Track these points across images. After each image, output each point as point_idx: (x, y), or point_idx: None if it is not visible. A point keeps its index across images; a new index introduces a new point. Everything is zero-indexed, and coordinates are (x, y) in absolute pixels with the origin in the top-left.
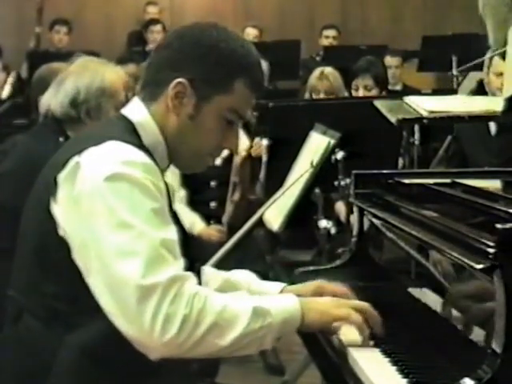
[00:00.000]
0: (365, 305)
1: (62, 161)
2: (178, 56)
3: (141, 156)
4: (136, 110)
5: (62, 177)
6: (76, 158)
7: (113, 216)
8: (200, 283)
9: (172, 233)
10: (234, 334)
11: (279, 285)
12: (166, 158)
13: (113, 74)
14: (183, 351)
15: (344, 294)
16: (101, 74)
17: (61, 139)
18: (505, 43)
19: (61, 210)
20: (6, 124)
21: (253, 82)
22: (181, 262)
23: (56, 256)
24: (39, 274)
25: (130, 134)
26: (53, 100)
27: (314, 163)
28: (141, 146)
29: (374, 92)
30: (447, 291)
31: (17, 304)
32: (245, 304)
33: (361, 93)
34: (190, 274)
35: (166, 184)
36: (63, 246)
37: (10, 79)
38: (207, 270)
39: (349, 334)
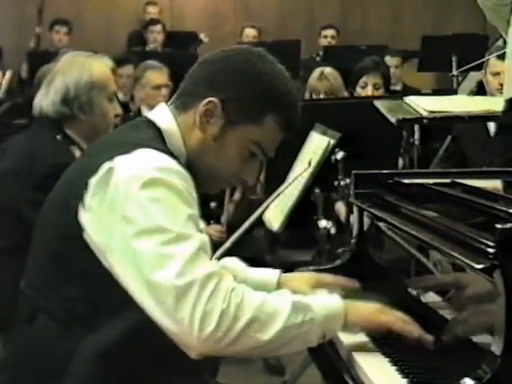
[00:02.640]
0: (406, 317)
1: (93, 166)
2: (218, 75)
3: (174, 163)
4: (164, 118)
5: (93, 182)
6: (108, 164)
7: (149, 221)
8: None
9: (206, 237)
10: (275, 328)
11: (275, 272)
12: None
13: (100, 66)
14: (223, 346)
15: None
16: (88, 67)
17: (58, 137)
18: None
19: (91, 216)
20: (6, 124)
21: (284, 121)
22: (215, 262)
23: (79, 261)
24: (60, 277)
25: (159, 141)
26: (44, 101)
27: (314, 163)
28: (171, 153)
29: (381, 91)
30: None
31: (32, 303)
32: (284, 299)
33: (369, 90)
34: (226, 272)
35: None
36: (87, 252)
37: (6, 78)
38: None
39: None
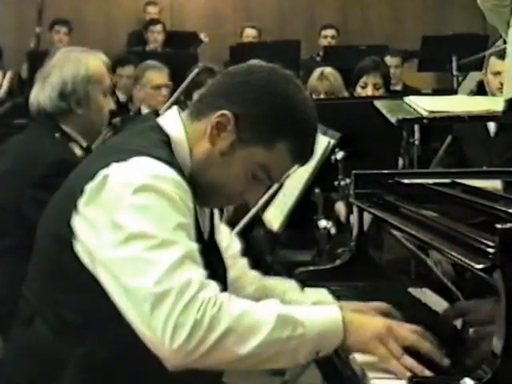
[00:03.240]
0: (421, 331)
1: (91, 172)
2: (238, 89)
3: (171, 172)
4: (173, 124)
5: (88, 188)
6: (105, 171)
7: (135, 227)
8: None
9: (196, 246)
10: (254, 342)
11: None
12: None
13: (96, 61)
14: (196, 358)
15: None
16: (84, 62)
17: (57, 135)
18: None
19: (83, 222)
20: (5, 124)
21: (297, 149)
22: (202, 270)
23: (68, 267)
24: (51, 282)
25: (162, 147)
26: (41, 96)
27: (314, 163)
28: (171, 160)
29: (381, 91)
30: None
31: (29, 305)
32: (270, 311)
33: (369, 90)
34: (211, 281)
35: (196, 206)
36: (77, 261)
37: (7, 78)
38: (249, 272)
39: None
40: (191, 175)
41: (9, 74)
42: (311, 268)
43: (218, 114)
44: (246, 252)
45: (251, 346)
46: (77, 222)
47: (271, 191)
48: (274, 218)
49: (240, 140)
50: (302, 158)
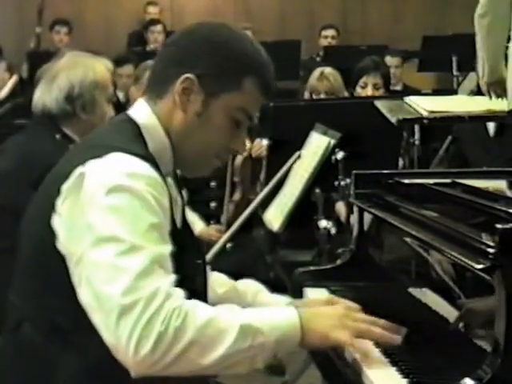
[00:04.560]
0: (372, 319)
1: (66, 171)
2: (186, 52)
3: (146, 168)
4: (141, 112)
5: (65, 187)
6: (80, 169)
7: (105, 230)
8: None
9: (167, 249)
10: (218, 353)
11: (284, 299)
12: (171, 162)
13: (102, 67)
14: (159, 369)
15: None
16: (91, 67)
17: (57, 136)
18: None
19: (61, 221)
20: (5, 124)
21: (262, 81)
22: (171, 278)
23: (55, 270)
24: (39, 286)
25: (136, 140)
26: (47, 97)
27: (315, 163)
28: (146, 155)
29: (381, 91)
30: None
31: (17, 310)
32: (233, 320)
33: (369, 90)
34: (176, 289)
35: (171, 197)
36: (61, 260)
37: (12, 81)
38: (216, 274)
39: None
40: (175, 152)
41: (14, 78)
42: (311, 268)
43: (180, 80)
44: (245, 252)
45: (214, 356)
46: (57, 223)
47: (269, 188)
48: (274, 218)
49: (210, 95)
50: (269, 87)
